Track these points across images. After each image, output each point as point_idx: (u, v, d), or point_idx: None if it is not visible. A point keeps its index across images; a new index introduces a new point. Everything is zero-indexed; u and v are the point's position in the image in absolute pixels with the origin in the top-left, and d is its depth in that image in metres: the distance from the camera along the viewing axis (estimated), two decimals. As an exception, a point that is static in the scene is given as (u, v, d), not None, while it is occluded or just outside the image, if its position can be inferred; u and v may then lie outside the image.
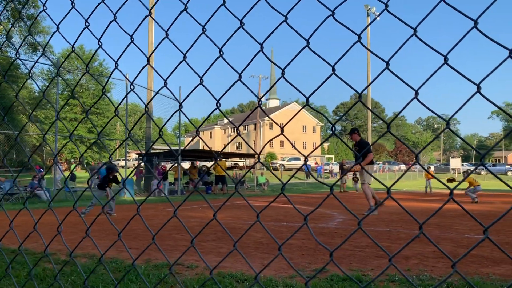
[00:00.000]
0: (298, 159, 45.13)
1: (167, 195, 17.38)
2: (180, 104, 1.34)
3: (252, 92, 1.19)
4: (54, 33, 1.52)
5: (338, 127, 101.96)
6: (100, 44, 1.40)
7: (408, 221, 7.50)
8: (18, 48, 2.14)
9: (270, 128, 62.32)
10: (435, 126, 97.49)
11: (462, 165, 46.60)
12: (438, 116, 1.06)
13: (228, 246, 4.89)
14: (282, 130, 1.16)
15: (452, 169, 46.34)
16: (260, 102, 1.20)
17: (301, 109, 1.26)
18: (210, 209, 10.66)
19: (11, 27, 2.92)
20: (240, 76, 1.20)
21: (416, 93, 0.98)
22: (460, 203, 0.97)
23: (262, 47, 1.25)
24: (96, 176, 19.89)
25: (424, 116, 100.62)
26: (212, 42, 1.21)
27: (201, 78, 1.25)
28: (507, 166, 52.79)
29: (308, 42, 1.11)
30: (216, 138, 75.08)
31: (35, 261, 3.95)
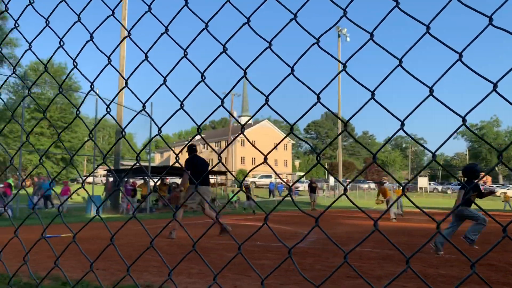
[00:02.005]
0: (269, 176, 45.23)
1: (136, 212, 16.98)
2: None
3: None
4: (26, 51, 1.46)
5: (308, 146, 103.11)
6: (75, 64, 1.35)
7: (379, 240, 7.57)
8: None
9: (242, 145, 62.37)
10: (403, 145, 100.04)
11: (429, 184, 47.82)
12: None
13: (199, 267, 4.77)
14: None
15: (420, 187, 47.42)
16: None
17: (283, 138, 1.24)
18: (181, 228, 10.45)
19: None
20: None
21: (402, 124, 0.98)
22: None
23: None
24: (39, 192, 19.13)
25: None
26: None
27: (182, 102, 1.24)
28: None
29: (292, 70, 1.11)
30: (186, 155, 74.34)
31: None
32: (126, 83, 1.35)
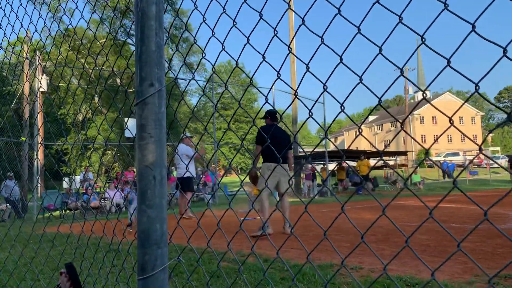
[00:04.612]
0: (457, 154, 41.14)
1: (317, 196, 17.55)
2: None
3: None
4: (220, 52, 1.65)
5: (502, 116, 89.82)
6: (264, 57, 1.47)
7: None
8: (169, 63, 2.36)
9: (421, 122, 58.19)
10: None
11: None
12: None
13: (390, 248, 4.67)
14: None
15: None
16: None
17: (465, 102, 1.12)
18: (363, 210, 10.39)
19: (174, 53, 3.28)
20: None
21: None
22: None
23: (423, 39, 1.14)
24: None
25: None
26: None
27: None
28: None
29: (473, 27, 0.99)
30: (361, 137, 73.05)
31: (220, 256, 4.35)
32: (307, 67, 1.39)
